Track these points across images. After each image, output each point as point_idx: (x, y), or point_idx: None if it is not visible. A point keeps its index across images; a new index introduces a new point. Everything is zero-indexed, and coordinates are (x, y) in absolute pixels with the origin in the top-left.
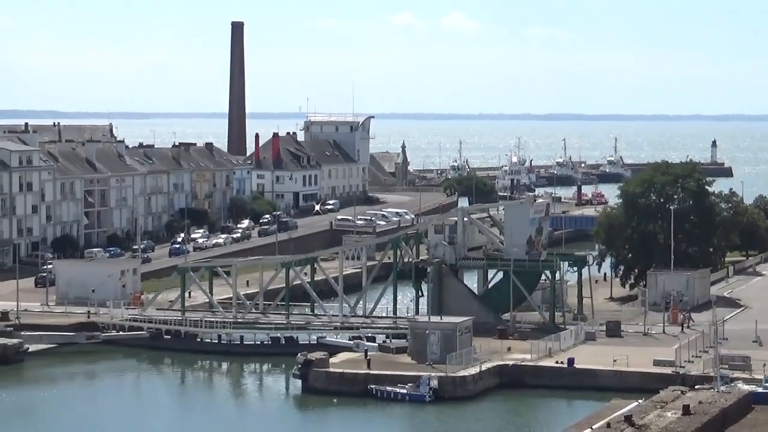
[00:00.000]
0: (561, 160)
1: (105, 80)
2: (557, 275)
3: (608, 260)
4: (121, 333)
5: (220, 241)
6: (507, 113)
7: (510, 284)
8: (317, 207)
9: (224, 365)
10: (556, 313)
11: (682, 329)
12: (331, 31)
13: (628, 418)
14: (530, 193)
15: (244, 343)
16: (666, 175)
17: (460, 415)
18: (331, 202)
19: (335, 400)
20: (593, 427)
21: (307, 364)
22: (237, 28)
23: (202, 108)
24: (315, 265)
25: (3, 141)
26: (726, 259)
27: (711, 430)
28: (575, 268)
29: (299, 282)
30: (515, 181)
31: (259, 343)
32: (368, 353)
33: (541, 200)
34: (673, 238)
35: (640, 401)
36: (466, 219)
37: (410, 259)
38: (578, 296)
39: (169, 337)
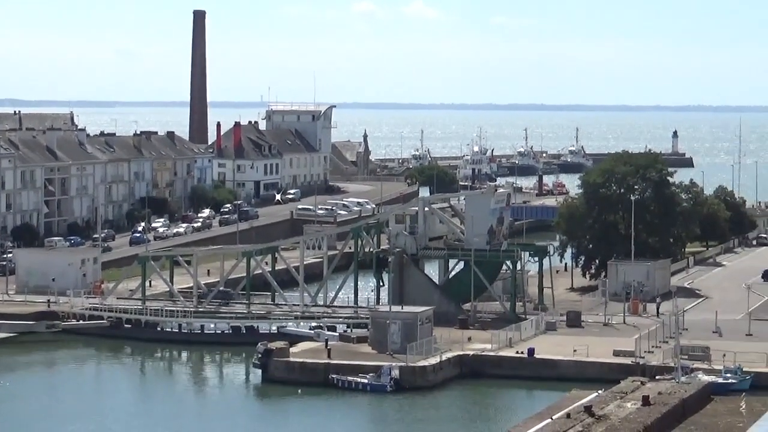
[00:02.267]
0: (522, 150)
1: (66, 68)
2: (518, 265)
3: (569, 250)
4: (81, 322)
5: (181, 230)
6: (469, 103)
7: (471, 274)
8: (278, 196)
9: (184, 354)
10: (516, 303)
11: (658, 314)
12: (293, 20)
13: (587, 409)
14: (491, 183)
15: (205, 332)
16: (627, 165)
17: (420, 405)
18: (292, 191)
19: (299, 391)
20: (553, 417)
21: (267, 354)
22: (199, 17)
23: (164, 97)
24: (276, 255)
25: None
26: (686, 249)
27: (671, 421)
28: (536, 258)
29: (260, 271)
30: (476, 171)
31: (219, 332)
32: (329, 343)
33: (502, 190)
34: (633, 229)
35: (599, 392)
36: (427, 209)
37: (371, 249)
38: (539, 286)
39: (129, 326)
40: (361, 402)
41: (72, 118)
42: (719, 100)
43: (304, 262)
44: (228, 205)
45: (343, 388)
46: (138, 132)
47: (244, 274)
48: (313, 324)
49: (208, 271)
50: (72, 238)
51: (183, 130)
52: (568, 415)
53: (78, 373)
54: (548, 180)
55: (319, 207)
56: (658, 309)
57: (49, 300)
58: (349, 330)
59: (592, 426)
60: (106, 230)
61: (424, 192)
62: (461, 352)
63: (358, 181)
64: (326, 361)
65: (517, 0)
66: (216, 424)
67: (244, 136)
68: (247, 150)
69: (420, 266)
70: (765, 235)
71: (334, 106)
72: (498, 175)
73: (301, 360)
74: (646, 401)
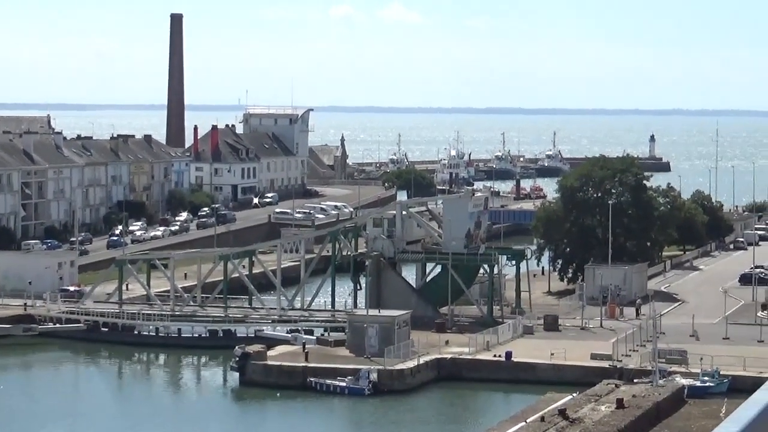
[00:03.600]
0: (500, 154)
1: (43, 71)
2: (495, 269)
3: (546, 254)
4: (58, 325)
5: (159, 233)
6: (446, 106)
7: (448, 278)
8: (256, 200)
9: (162, 357)
10: (494, 307)
11: (637, 315)
12: (271, 23)
13: (562, 412)
14: (469, 187)
15: (182, 335)
16: (604, 169)
17: (398, 408)
18: (269, 194)
19: (278, 394)
20: (527, 420)
21: (244, 357)
22: (176, 20)
23: (141, 100)
24: (253, 258)
25: None
26: (663, 253)
27: (644, 424)
28: (513, 262)
29: (237, 275)
30: (454, 175)
31: (196, 335)
32: (306, 346)
33: (479, 194)
34: (611, 233)
35: (574, 395)
36: (404, 212)
37: (349, 253)
38: (516, 290)
39: (106, 329)
40: (339, 405)
41: (49, 122)
42: (697, 104)
43: (282, 266)
44: (205, 209)
45: (321, 392)
46: (115, 135)
47: (222, 278)
48: (291, 327)
49: (185, 274)
50: (49, 241)
51: (160, 134)
52: (542, 418)
53: (55, 375)
54: (526, 184)
55: (297, 210)
56: (638, 311)
57: (25, 303)
58: (326, 333)
59: (566, 429)
60: (83, 234)
61: (402, 196)
62: (439, 356)
63: (335, 185)
64: (304, 364)
65: (495, 3)
66: (193, 427)
67: (222, 140)
68: (225, 153)
69: (397, 270)
70: (742, 239)
71: (312, 110)
72: (475, 179)
73: (278, 363)
74: (620, 404)
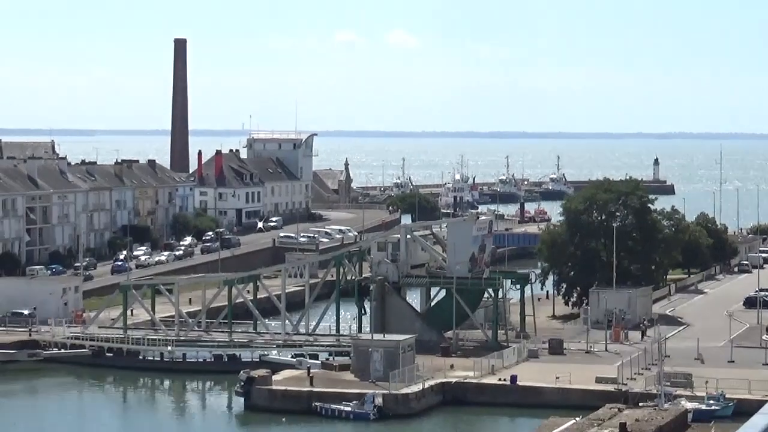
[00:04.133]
0: (504, 178)
1: (47, 97)
2: (500, 293)
3: (551, 278)
4: (63, 351)
5: (163, 258)
6: (450, 131)
7: (453, 302)
8: (260, 224)
9: (167, 383)
10: (499, 331)
11: (643, 337)
12: (274, 49)
13: None
14: (473, 211)
15: (187, 360)
16: (608, 192)
17: None
18: (274, 219)
19: (284, 419)
20: None
21: (249, 382)
22: (180, 45)
23: (146, 125)
24: (258, 283)
25: None
26: (668, 276)
27: None
28: (518, 286)
29: (242, 300)
30: (458, 199)
31: (201, 360)
32: (311, 371)
33: (484, 218)
34: (615, 256)
35: (577, 419)
36: (408, 236)
37: (353, 277)
38: (521, 314)
39: (111, 354)
40: (344, 430)
41: (53, 147)
42: (701, 127)
43: (286, 291)
44: (210, 233)
45: (326, 416)
46: (119, 160)
47: (226, 303)
48: (296, 352)
49: (190, 299)
50: (53, 266)
51: (164, 159)
52: None
53: (60, 401)
54: (530, 207)
55: (301, 235)
56: (644, 333)
57: (30, 329)
58: (331, 358)
59: None
60: (87, 259)
61: (406, 219)
62: (444, 380)
63: (339, 209)
64: (309, 388)
65: (498, 27)
66: None
67: (226, 165)
68: (229, 178)
69: (402, 294)
70: (746, 262)
71: (316, 135)
72: (480, 203)
73: (283, 388)
74: (623, 428)
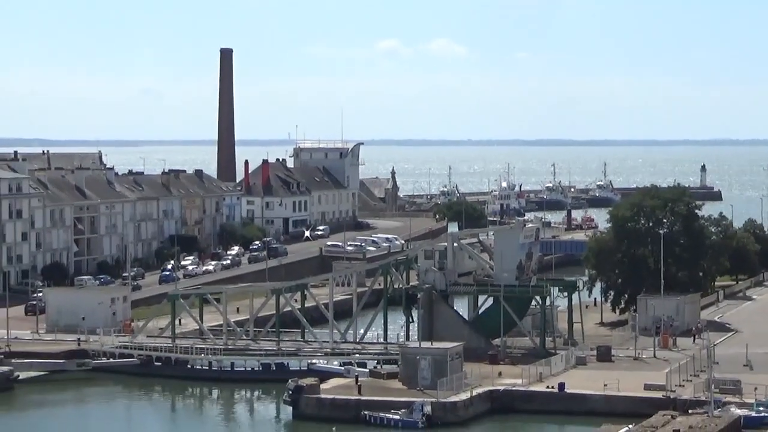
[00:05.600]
0: (551, 185)
1: (94, 108)
2: (547, 300)
3: (598, 285)
4: (111, 360)
5: (210, 267)
6: (496, 138)
7: (500, 310)
8: (307, 233)
9: (215, 392)
10: (546, 338)
11: (694, 339)
12: (319, 58)
13: None
14: (520, 218)
15: (235, 369)
16: (655, 199)
17: None
18: (321, 227)
19: (334, 429)
20: None
21: (298, 390)
22: (226, 55)
23: (192, 135)
24: (305, 292)
25: None
26: (716, 283)
27: None
28: (565, 294)
29: (289, 308)
30: (505, 206)
31: (249, 369)
32: (359, 379)
33: (531, 225)
34: (662, 263)
35: (630, 426)
36: (456, 244)
37: (400, 285)
38: (568, 321)
39: (159, 364)
40: None
41: (100, 157)
42: (748, 133)
43: (334, 299)
44: (257, 243)
45: (375, 425)
46: (166, 170)
47: (274, 312)
48: (343, 360)
49: (238, 308)
50: (101, 276)
51: (211, 168)
52: None
53: (109, 410)
54: (577, 214)
55: (348, 243)
56: (695, 337)
57: (79, 339)
58: (379, 366)
59: None
60: (135, 269)
61: (453, 227)
62: (492, 387)
63: (386, 218)
64: (357, 397)
65: (542, 35)
66: None
67: (272, 174)
68: (276, 187)
69: (449, 302)
70: None
71: (362, 143)
72: (526, 210)
73: (332, 396)
74: None
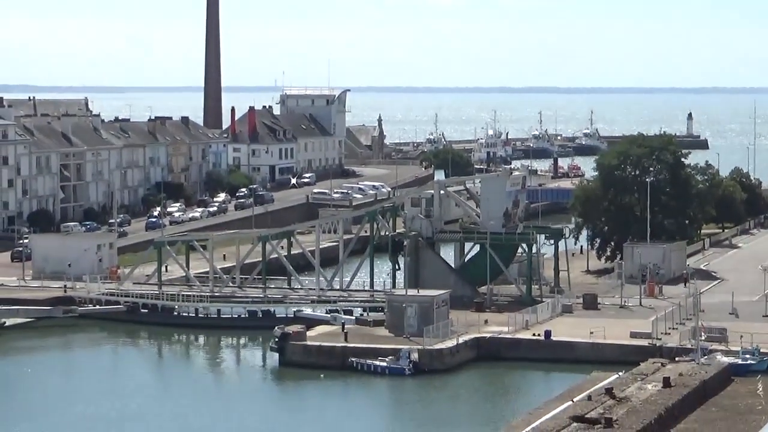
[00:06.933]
0: (537, 133)
1: (80, 54)
2: (534, 248)
3: (585, 233)
4: (98, 307)
5: (197, 214)
6: (483, 86)
7: (487, 257)
8: (293, 180)
9: (201, 339)
10: (532, 286)
11: (685, 284)
12: (306, 4)
13: (608, 391)
14: (506, 166)
15: (221, 316)
16: (642, 147)
17: (439, 388)
18: (307, 175)
19: (322, 376)
20: (574, 399)
21: (284, 338)
22: (212, 1)
23: (178, 82)
24: (292, 239)
25: None
26: (702, 231)
27: (692, 402)
28: (552, 241)
29: (276, 256)
30: (491, 154)
31: (236, 316)
32: (345, 326)
33: (517, 173)
34: (649, 211)
35: (620, 374)
36: (442, 192)
37: (387, 233)
38: (555, 269)
39: (146, 310)
40: (380, 385)
41: (86, 104)
42: (735, 82)
43: (320, 246)
44: (243, 190)
45: (362, 371)
46: (152, 117)
47: (260, 259)
48: (330, 308)
49: (224, 255)
50: (88, 223)
51: (197, 115)
52: (589, 398)
53: (95, 357)
54: (563, 163)
55: (335, 191)
56: (686, 282)
57: (65, 285)
58: (365, 314)
59: (614, 408)
60: (121, 215)
61: (440, 175)
62: (478, 335)
63: (373, 165)
64: (343, 344)
65: None
66: (234, 407)
67: (259, 121)
68: (262, 134)
69: (436, 250)
70: None
71: (349, 90)
72: (513, 158)
73: (318, 343)
74: (666, 383)
